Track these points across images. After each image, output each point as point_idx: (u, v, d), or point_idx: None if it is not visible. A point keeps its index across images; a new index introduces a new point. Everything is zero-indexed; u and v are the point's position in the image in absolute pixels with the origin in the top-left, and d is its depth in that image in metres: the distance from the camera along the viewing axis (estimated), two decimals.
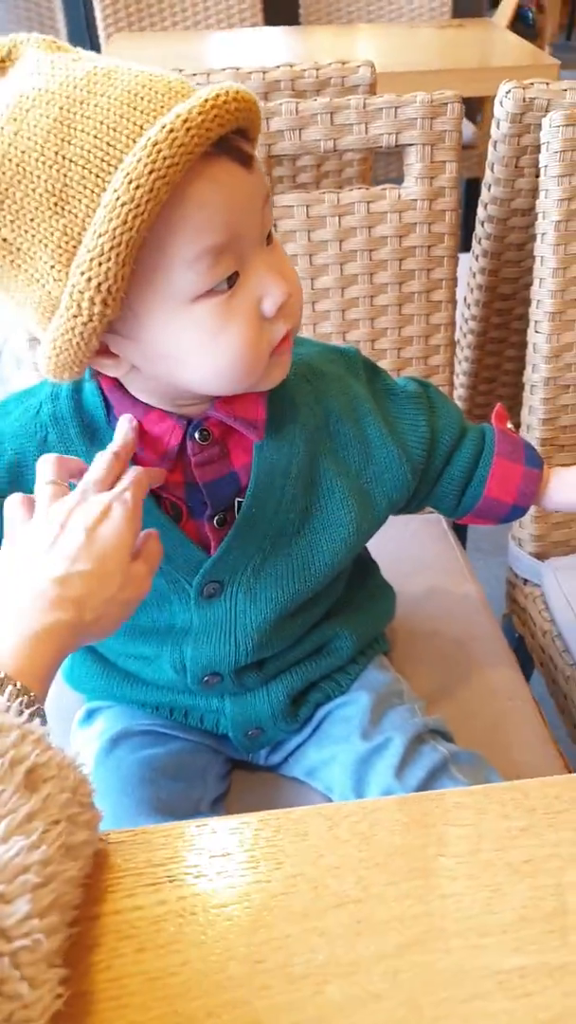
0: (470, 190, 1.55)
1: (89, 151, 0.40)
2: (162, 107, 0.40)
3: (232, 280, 0.44)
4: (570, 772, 0.67)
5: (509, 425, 0.65)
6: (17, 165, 0.40)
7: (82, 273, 0.40)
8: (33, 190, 0.40)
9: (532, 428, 0.81)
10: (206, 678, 0.58)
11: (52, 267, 0.41)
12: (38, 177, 0.40)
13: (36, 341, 0.81)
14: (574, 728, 0.77)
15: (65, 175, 0.40)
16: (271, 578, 0.56)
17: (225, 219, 0.42)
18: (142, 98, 0.40)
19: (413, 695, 0.65)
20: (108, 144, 0.40)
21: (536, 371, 0.79)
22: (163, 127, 0.39)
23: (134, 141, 0.40)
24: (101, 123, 0.40)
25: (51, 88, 0.41)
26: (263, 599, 0.56)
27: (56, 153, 0.40)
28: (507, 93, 0.77)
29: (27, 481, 0.52)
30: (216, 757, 0.64)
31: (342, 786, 0.60)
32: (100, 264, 0.40)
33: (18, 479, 0.52)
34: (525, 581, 0.87)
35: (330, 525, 0.56)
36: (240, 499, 0.54)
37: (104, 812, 0.54)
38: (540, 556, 0.85)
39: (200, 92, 0.41)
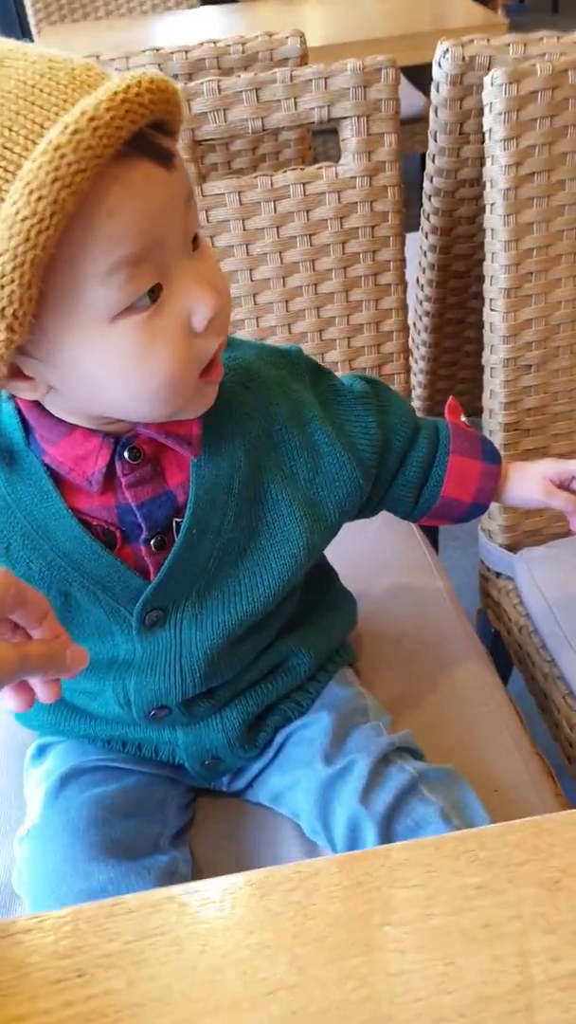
0: (424, 165, 1.50)
1: None
2: (65, 100, 0.35)
3: (155, 294, 0.39)
4: (551, 776, 0.64)
5: (463, 419, 0.61)
6: None
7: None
8: None
9: (495, 413, 0.77)
10: (153, 712, 0.54)
11: None
12: None
13: None
14: (555, 727, 0.73)
15: None
16: (217, 602, 0.52)
17: (141, 226, 0.37)
18: (41, 90, 0.35)
19: (379, 710, 0.61)
20: (4, 147, 0.35)
21: (495, 352, 0.74)
22: (66, 127, 0.34)
23: (34, 143, 0.34)
24: None
25: None
26: (210, 624, 0.52)
27: None
28: (445, 53, 0.72)
29: None
30: (176, 787, 0.60)
31: (308, 813, 0.56)
32: (2, 287, 0.35)
33: None
34: (498, 574, 0.83)
35: (278, 541, 0.52)
36: (178, 520, 0.49)
37: (54, 859, 0.51)
38: (512, 548, 0.81)
39: (108, 83, 0.36)
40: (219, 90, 0.70)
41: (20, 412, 0.47)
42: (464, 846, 0.33)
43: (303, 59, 0.82)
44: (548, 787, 0.61)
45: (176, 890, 0.33)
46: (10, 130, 0.35)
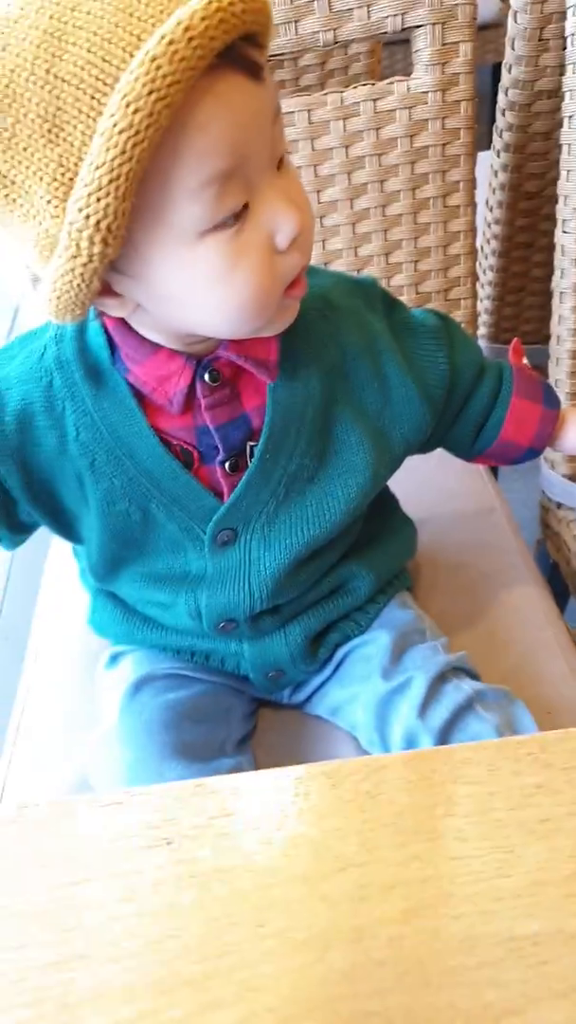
0: (497, 79, 1.42)
1: (82, 68, 0.35)
2: (162, 11, 0.35)
3: (241, 211, 0.40)
4: None
5: (525, 361, 0.61)
6: (6, 86, 0.36)
7: (79, 210, 0.36)
8: (25, 115, 0.36)
9: (562, 339, 0.75)
10: (222, 624, 0.57)
11: (48, 202, 0.37)
12: (29, 100, 0.35)
13: (38, 280, 0.79)
14: None
15: (58, 97, 0.35)
16: (285, 525, 0.54)
17: (232, 141, 0.37)
18: (141, 2, 0.35)
19: (437, 632, 0.63)
20: (103, 60, 0.35)
21: (565, 276, 0.72)
22: (162, 38, 0.34)
23: (131, 55, 0.35)
24: (95, 34, 0.35)
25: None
26: (277, 546, 0.54)
27: (47, 71, 0.35)
28: None
29: (35, 428, 0.50)
30: (240, 697, 0.63)
31: (366, 726, 0.59)
32: (98, 200, 0.35)
33: (26, 426, 0.50)
34: (559, 505, 0.83)
35: (346, 470, 0.54)
36: (252, 443, 0.51)
37: (129, 757, 0.56)
38: (574, 478, 0.80)
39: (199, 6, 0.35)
40: (291, 0, 0.68)
41: (107, 331, 0.48)
42: (524, 749, 0.35)
43: None
44: None
45: (254, 775, 0.36)
46: (109, 41, 0.35)
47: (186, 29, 0.34)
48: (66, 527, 0.56)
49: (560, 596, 0.83)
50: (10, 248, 0.42)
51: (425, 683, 0.56)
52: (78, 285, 0.39)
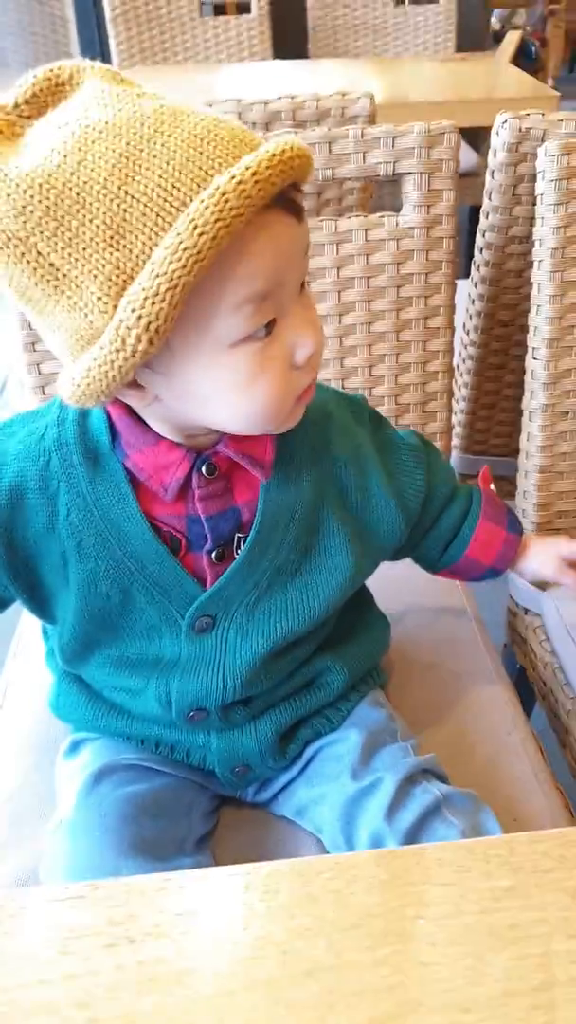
0: (474, 217, 1.55)
1: (153, 190, 0.40)
2: (227, 155, 0.41)
3: (269, 328, 0.44)
4: (570, 810, 0.65)
5: (493, 487, 0.68)
6: (77, 195, 0.40)
7: (133, 310, 0.40)
8: (91, 221, 0.40)
9: (531, 455, 0.80)
10: (192, 713, 0.57)
11: (99, 299, 0.41)
12: (97, 209, 0.40)
13: (35, 368, 0.82)
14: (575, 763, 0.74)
15: (125, 210, 0.40)
16: (265, 615, 0.55)
17: (274, 268, 0.43)
18: (208, 143, 0.41)
19: (407, 732, 0.63)
20: (173, 186, 0.40)
21: (534, 398, 0.77)
22: (232, 177, 0.39)
23: (199, 187, 0.40)
24: (168, 163, 0.40)
25: (118, 123, 0.41)
26: (255, 635, 0.55)
27: (119, 188, 0.40)
28: (503, 123, 0.77)
29: (27, 506, 0.51)
30: (202, 793, 0.62)
31: (331, 827, 0.58)
32: (153, 304, 0.40)
33: (17, 502, 0.51)
34: (526, 611, 0.84)
35: (329, 568, 0.57)
36: (240, 535, 0.53)
37: (84, 852, 0.53)
38: (540, 585, 0.83)
39: (267, 146, 0.41)
40: None
41: (109, 419, 0.50)
42: (495, 850, 0.35)
43: (371, 118, 0.88)
44: (566, 821, 0.62)
45: (223, 871, 0.35)
46: (180, 172, 0.40)
47: (254, 173, 0.40)
48: (41, 604, 0.56)
49: (526, 700, 0.84)
50: (42, 333, 0.45)
51: (394, 785, 0.56)
52: (113, 376, 0.42)
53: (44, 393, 0.83)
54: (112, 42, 2.00)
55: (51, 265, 0.41)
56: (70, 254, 0.41)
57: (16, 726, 0.70)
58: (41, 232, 0.40)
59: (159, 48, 2.03)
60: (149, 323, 0.40)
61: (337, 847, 0.58)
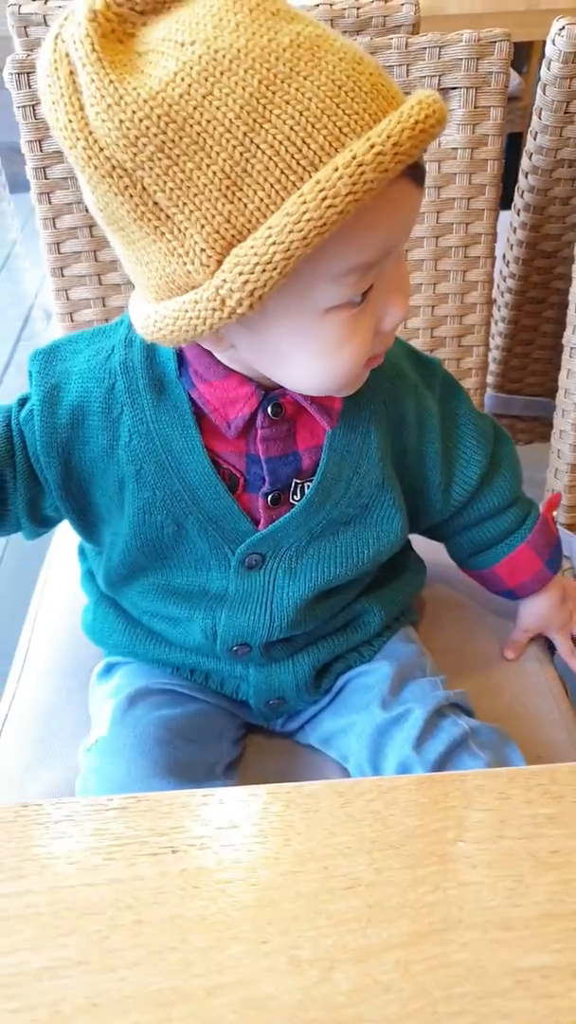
0: (512, 146, 1.48)
1: (282, 143, 0.36)
2: (366, 112, 0.37)
3: (366, 293, 0.42)
4: None
5: (557, 514, 0.65)
6: (198, 135, 0.36)
7: (240, 273, 0.37)
8: (208, 166, 0.36)
9: (570, 393, 0.77)
10: (235, 648, 0.57)
11: (203, 250, 0.37)
12: (217, 155, 0.36)
13: (64, 294, 0.80)
14: None
15: (248, 160, 0.36)
16: (313, 560, 0.55)
17: (389, 238, 0.41)
18: (348, 93, 0.36)
19: (436, 668, 0.63)
20: (304, 142, 0.36)
21: None
22: (372, 147, 0.35)
23: (333, 148, 0.36)
24: (301, 114, 0.36)
25: (252, 53, 0.36)
26: (302, 577, 0.55)
27: (244, 135, 0.35)
28: (561, 30, 0.72)
29: (88, 427, 0.50)
30: (232, 721, 0.62)
31: (358, 756, 0.59)
32: (264, 271, 0.36)
33: (79, 423, 0.50)
34: None
35: (382, 524, 0.56)
36: (299, 480, 0.52)
37: (119, 771, 0.54)
38: (572, 527, 0.82)
39: (408, 107, 0.36)
40: None
41: (180, 347, 0.48)
42: (536, 779, 0.35)
43: (415, 27, 0.82)
44: None
45: (264, 788, 0.36)
46: (313, 127, 0.36)
47: (395, 144, 0.35)
48: (89, 527, 0.56)
49: (550, 641, 0.84)
50: (123, 258, 0.42)
51: (423, 716, 0.56)
52: (201, 331, 0.39)
53: (72, 320, 0.81)
54: None
55: (155, 204, 0.37)
56: (179, 197, 0.37)
57: (47, 650, 0.70)
58: (151, 168, 0.36)
59: None
60: (254, 289, 0.37)
61: (362, 774, 0.59)
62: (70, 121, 0.36)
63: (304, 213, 0.35)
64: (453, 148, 0.74)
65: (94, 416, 0.49)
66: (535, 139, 0.79)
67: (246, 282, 0.36)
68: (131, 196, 0.37)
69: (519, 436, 1.00)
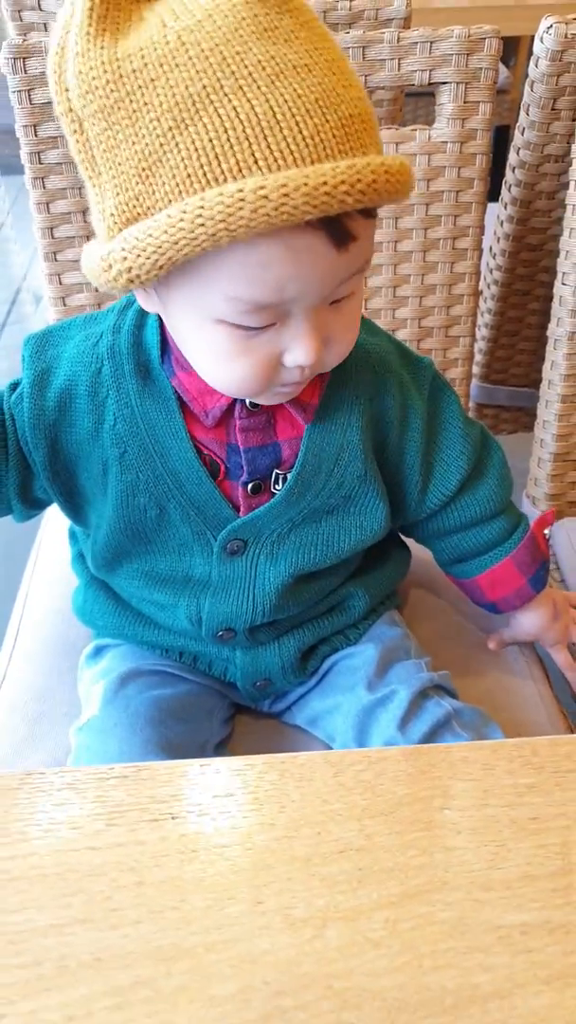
0: (499, 139, 1.49)
1: (198, 149, 0.36)
2: (292, 153, 0.36)
3: (267, 327, 0.41)
4: (571, 730, 0.67)
5: (548, 532, 0.63)
6: (133, 111, 0.37)
7: (122, 249, 0.38)
8: (132, 143, 0.37)
9: (554, 384, 0.79)
10: (220, 633, 0.58)
11: (111, 215, 0.39)
12: (142, 136, 0.37)
13: (56, 278, 0.80)
14: None
15: (165, 153, 0.37)
16: (294, 545, 0.56)
17: (284, 287, 0.39)
18: (285, 129, 0.36)
19: (420, 650, 0.65)
20: (217, 157, 0.36)
21: (560, 325, 0.76)
22: (260, 188, 0.35)
23: (241, 172, 0.36)
24: (227, 130, 0.36)
25: (212, 59, 0.36)
26: (283, 562, 0.56)
27: (170, 129, 0.37)
28: (548, 28, 0.73)
29: (75, 410, 0.51)
30: (221, 701, 0.64)
31: (344, 735, 0.60)
32: (139, 257, 0.38)
33: (66, 405, 0.51)
34: None
35: (364, 514, 0.56)
36: (278, 471, 0.53)
37: (111, 749, 0.56)
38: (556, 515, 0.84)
39: (331, 169, 0.35)
40: None
41: (163, 333, 0.50)
42: (518, 752, 0.37)
43: (407, 21, 0.83)
44: None
45: (259, 759, 0.37)
46: (232, 146, 0.36)
47: (284, 196, 0.34)
48: (76, 509, 0.57)
49: None
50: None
51: (408, 697, 0.58)
52: (98, 282, 0.41)
53: (64, 304, 0.82)
54: None
55: (93, 157, 0.40)
56: (107, 160, 0.39)
57: (37, 630, 0.71)
58: (93, 124, 0.39)
59: None
60: (130, 269, 0.38)
61: None
62: (56, 55, 0.40)
63: (181, 221, 0.36)
64: (443, 142, 0.75)
65: (81, 399, 0.51)
66: (522, 134, 0.80)
67: (124, 259, 0.38)
68: (77, 140, 0.40)
69: (503, 426, 1.01)
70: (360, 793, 0.36)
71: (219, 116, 0.36)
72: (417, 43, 0.72)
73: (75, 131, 0.40)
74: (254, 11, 0.37)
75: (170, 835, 0.34)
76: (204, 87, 0.36)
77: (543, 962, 0.31)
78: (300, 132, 0.36)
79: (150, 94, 0.37)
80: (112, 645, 0.63)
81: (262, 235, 0.36)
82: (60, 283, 0.81)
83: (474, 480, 0.59)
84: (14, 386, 0.53)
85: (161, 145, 0.37)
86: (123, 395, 0.51)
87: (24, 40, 0.71)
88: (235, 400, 0.50)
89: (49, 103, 0.71)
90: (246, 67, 0.36)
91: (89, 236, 0.79)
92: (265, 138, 0.36)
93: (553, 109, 0.78)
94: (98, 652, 0.64)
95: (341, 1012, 0.29)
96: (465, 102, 0.74)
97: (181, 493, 0.53)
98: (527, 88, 0.78)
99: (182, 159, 0.37)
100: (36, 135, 0.74)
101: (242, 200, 0.35)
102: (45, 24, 0.99)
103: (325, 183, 0.35)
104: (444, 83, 0.73)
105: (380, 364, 0.54)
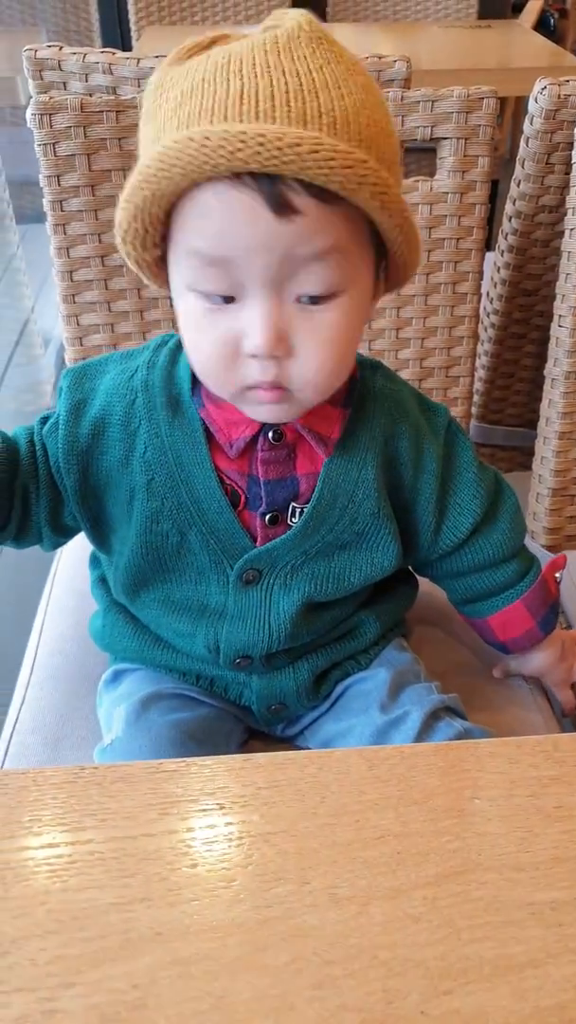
0: (494, 190, 1.56)
1: (185, 113, 0.42)
2: (215, 104, 0.41)
3: (229, 301, 0.45)
4: None
5: (558, 576, 0.65)
6: (158, 86, 0.45)
7: (122, 199, 0.44)
8: (151, 119, 0.45)
9: (551, 421, 0.84)
10: (238, 660, 0.60)
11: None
12: (159, 109, 0.44)
13: (74, 319, 0.84)
14: None
15: (154, 118, 0.44)
16: (307, 577, 0.58)
17: (216, 238, 0.43)
18: (240, 101, 0.41)
19: (428, 675, 0.67)
20: (188, 114, 0.42)
21: (557, 365, 0.81)
22: (196, 135, 0.40)
23: (196, 123, 0.41)
24: (180, 106, 0.43)
25: (222, 61, 0.43)
26: (297, 592, 0.58)
27: (179, 100, 0.43)
28: (542, 90, 0.79)
29: (107, 438, 0.54)
30: (237, 725, 0.65)
31: None
32: (123, 211, 0.44)
33: (99, 434, 0.54)
34: None
35: (376, 550, 0.58)
36: (295, 504, 0.56)
37: None
38: (553, 549, 0.87)
39: (260, 127, 0.39)
40: None
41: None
42: (541, 747, 0.40)
43: (407, 81, 0.90)
44: None
45: (299, 754, 0.39)
46: (190, 116, 0.42)
47: (205, 139, 0.39)
48: (102, 536, 0.59)
49: None
50: None
51: (420, 718, 0.60)
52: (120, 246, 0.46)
53: (81, 344, 0.86)
54: (130, 1, 1.98)
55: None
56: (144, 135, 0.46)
57: (53, 657, 0.73)
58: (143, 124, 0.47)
59: (177, 8, 2.01)
60: (120, 224, 0.44)
61: None
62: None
63: (145, 168, 0.42)
64: (444, 192, 0.81)
65: (114, 428, 0.54)
66: (518, 186, 0.86)
67: (121, 210, 0.44)
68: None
69: (500, 464, 1.05)
70: (395, 785, 0.38)
71: (223, 90, 0.41)
72: (420, 101, 0.78)
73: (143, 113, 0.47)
74: (318, 34, 0.46)
75: (218, 823, 0.36)
76: (202, 78, 0.43)
77: (573, 935, 0.33)
78: (265, 96, 0.40)
79: (175, 89, 0.43)
80: (130, 670, 0.65)
81: (198, 184, 0.41)
82: (78, 324, 0.85)
83: (487, 524, 0.61)
84: (44, 419, 0.57)
85: (164, 123, 0.43)
86: (154, 425, 0.54)
87: (52, 99, 0.76)
88: (259, 432, 0.53)
89: (71, 155, 0.77)
90: (258, 64, 0.42)
91: (106, 280, 0.84)
92: (230, 110, 0.41)
93: (547, 163, 0.84)
94: (116, 677, 0.65)
95: (387, 980, 0.31)
96: (465, 155, 0.80)
97: (203, 521, 0.55)
98: (523, 143, 0.85)
99: (162, 118, 0.43)
100: (59, 185, 0.79)
101: (165, 148, 0.40)
102: (64, 83, 1.06)
103: (241, 132, 0.38)
104: (445, 138, 0.79)
105: (397, 408, 0.57)
